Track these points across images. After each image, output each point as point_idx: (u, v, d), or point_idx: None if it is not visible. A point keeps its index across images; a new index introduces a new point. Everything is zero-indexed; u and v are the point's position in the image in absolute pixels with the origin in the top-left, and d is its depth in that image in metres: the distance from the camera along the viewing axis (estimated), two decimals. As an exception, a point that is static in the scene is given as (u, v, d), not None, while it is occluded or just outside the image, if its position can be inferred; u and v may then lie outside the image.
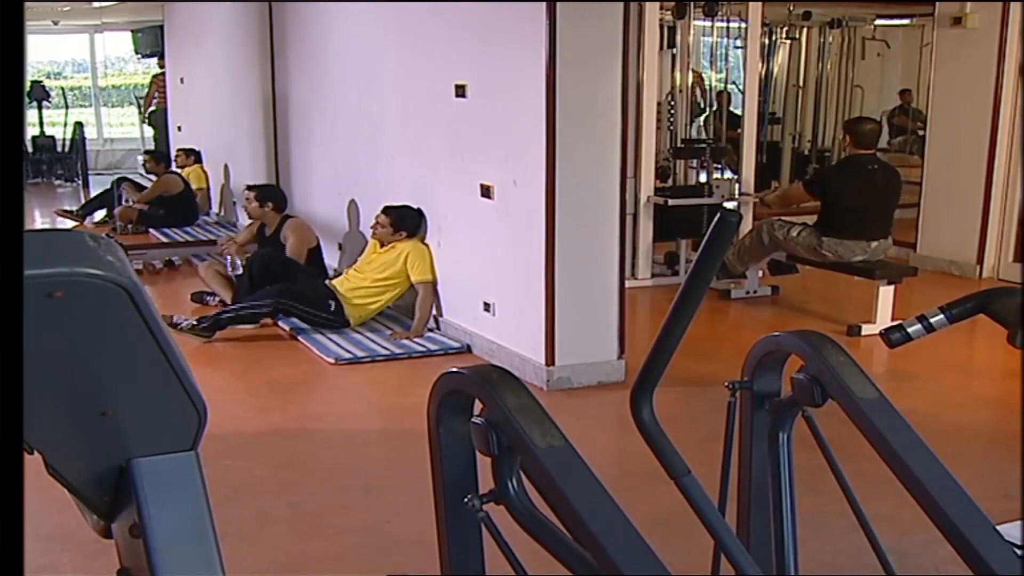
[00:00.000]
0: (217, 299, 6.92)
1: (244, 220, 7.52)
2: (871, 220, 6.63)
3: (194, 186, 10.50)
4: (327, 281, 6.64)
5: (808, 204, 7.06)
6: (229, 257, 7.12)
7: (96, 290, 0.90)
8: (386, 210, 6.41)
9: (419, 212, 6.41)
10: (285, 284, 6.35)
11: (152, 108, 13.76)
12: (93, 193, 12.95)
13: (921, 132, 9.55)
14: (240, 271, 7.00)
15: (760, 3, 8.06)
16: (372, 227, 6.51)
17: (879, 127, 7.67)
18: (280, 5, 8.69)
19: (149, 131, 14.15)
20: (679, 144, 8.38)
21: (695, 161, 8.68)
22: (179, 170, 10.65)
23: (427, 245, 6.38)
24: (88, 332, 0.94)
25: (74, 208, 11.02)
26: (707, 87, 10.30)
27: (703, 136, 8.78)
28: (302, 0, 8.19)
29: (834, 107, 11.79)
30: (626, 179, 5.38)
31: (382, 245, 6.47)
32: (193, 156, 10.91)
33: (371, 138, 7.20)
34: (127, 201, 10.17)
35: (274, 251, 6.92)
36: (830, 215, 6.67)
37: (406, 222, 6.38)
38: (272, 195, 7.43)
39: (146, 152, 11.31)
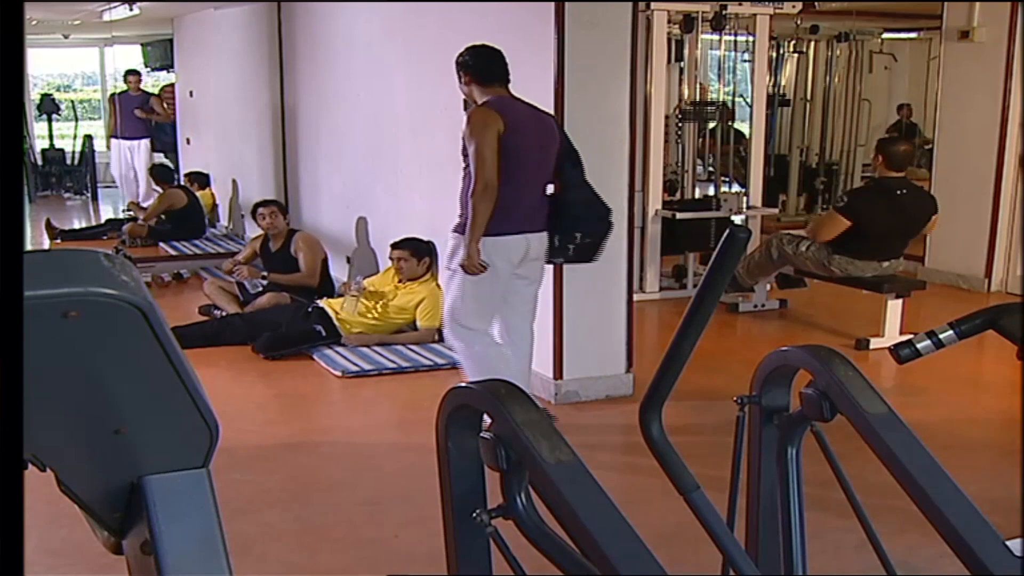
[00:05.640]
0: (223, 313, 6.93)
1: (252, 233, 7.54)
2: (888, 245, 6.55)
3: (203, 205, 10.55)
4: (318, 301, 6.58)
5: (813, 218, 6.99)
6: (247, 281, 7.10)
7: (111, 310, 0.91)
8: (400, 245, 6.36)
9: (429, 244, 6.40)
10: (272, 334, 6.25)
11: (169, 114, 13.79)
12: (102, 206, 13.02)
13: (928, 146, 9.54)
14: (260, 288, 6.98)
15: (768, 17, 8.08)
16: (394, 267, 6.47)
17: (912, 148, 7.54)
18: (290, 18, 8.73)
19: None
20: (686, 106, 8.33)
21: (702, 171, 8.67)
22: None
23: (439, 286, 6.37)
24: (102, 351, 0.95)
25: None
26: (713, 100, 10.31)
27: (711, 99, 8.68)
28: (312, 0, 8.23)
29: (842, 120, 11.79)
30: (634, 192, 5.39)
31: (400, 281, 6.44)
32: (198, 182, 10.93)
33: (380, 151, 7.22)
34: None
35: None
36: (847, 237, 6.50)
37: (423, 251, 6.36)
38: (285, 209, 7.48)
39: (152, 167, 11.35)
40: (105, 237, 10.21)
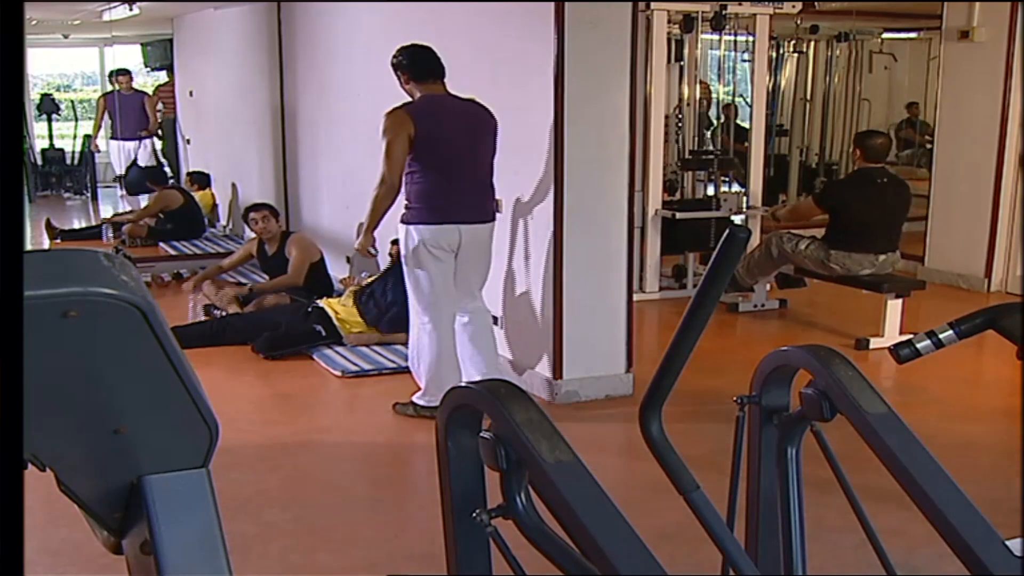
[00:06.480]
0: (223, 313, 6.92)
1: (251, 234, 7.54)
2: (879, 234, 6.62)
3: (201, 205, 10.53)
4: (317, 302, 6.57)
5: (817, 218, 7.04)
6: (190, 304, 7.02)
7: (111, 310, 0.91)
8: (399, 241, 6.34)
9: None
10: (272, 334, 6.24)
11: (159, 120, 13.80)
12: (102, 206, 13.02)
13: (929, 145, 9.54)
14: (202, 319, 6.89)
15: (767, 17, 8.08)
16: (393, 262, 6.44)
17: (889, 141, 7.64)
18: (290, 18, 8.72)
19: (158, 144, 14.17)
20: (687, 156, 8.39)
21: (702, 173, 8.69)
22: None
23: None
24: (102, 351, 0.95)
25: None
26: (713, 100, 10.29)
27: (710, 148, 8.78)
28: (312, 0, 8.22)
29: (842, 120, 11.79)
30: (634, 192, 5.39)
31: None
32: (198, 183, 10.92)
33: (380, 151, 7.21)
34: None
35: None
36: (838, 228, 6.65)
37: None
38: (277, 212, 7.46)
39: (145, 169, 11.33)
40: (105, 239, 10.20)
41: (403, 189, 4.84)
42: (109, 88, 12.43)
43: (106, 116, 12.29)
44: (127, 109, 11.74)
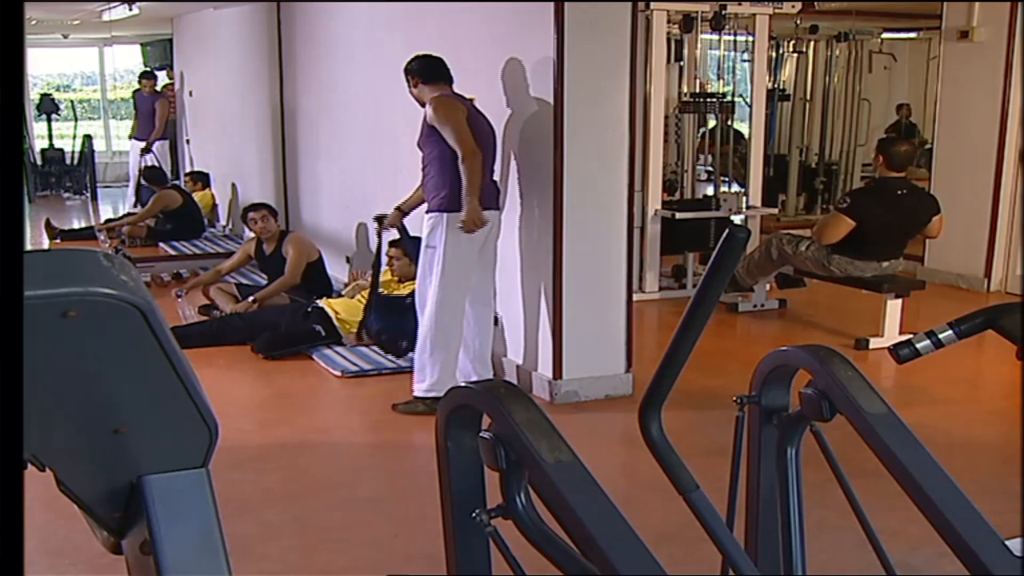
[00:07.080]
0: (223, 313, 6.92)
1: (251, 233, 7.54)
2: (887, 245, 6.55)
3: (200, 205, 10.53)
4: (317, 302, 6.57)
5: (813, 218, 6.96)
6: (180, 310, 7.02)
7: (111, 310, 0.91)
8: (395, 244, 6.35)
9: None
10: (271, 333, 6.25)
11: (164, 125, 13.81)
12: (102, 206, 13.02)
13: (928, 146, 9.54)
14: (193, 321, 6.86)
15: (767, 17, 8.08)
16: (388, 262, 6.45)
17: (914, 148, 7.55)
18: (290, 18, 8.73)
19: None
20: (687, 98, 8.39)
21: (703, 171, 8.67)
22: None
23: None
24: (102, 351, 0.95)
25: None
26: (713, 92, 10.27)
27: (710, 91, 8.74)
28: (312, 0, 8.23)
29: (841, 120, 11.79)
30: (633, 192, 5.39)
31: (400, 281, 6.42)
32: (200, 182, 10.94)
33: (379, 151, 7.22)
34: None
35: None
36: (847, 237, 6.49)
37: (417, 252, 6.35)
38: (276, 212, 7.45)
39: (144, 169, 11.34)
40: (100, 241, 10.20)
41: (437, 179, 4.99)
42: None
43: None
44: (141, 111, 11.85)
